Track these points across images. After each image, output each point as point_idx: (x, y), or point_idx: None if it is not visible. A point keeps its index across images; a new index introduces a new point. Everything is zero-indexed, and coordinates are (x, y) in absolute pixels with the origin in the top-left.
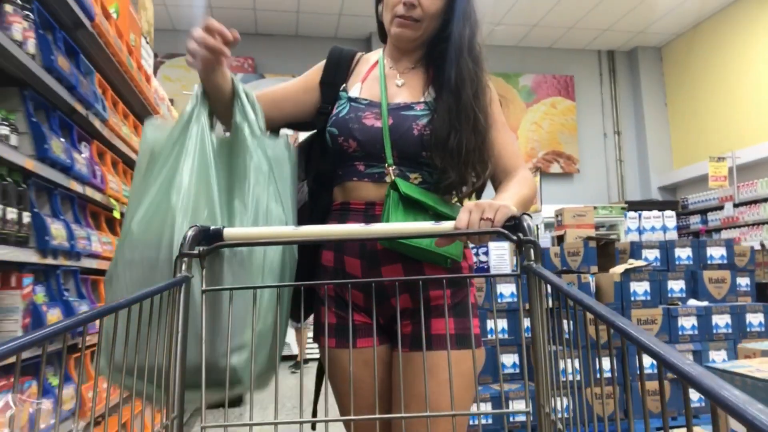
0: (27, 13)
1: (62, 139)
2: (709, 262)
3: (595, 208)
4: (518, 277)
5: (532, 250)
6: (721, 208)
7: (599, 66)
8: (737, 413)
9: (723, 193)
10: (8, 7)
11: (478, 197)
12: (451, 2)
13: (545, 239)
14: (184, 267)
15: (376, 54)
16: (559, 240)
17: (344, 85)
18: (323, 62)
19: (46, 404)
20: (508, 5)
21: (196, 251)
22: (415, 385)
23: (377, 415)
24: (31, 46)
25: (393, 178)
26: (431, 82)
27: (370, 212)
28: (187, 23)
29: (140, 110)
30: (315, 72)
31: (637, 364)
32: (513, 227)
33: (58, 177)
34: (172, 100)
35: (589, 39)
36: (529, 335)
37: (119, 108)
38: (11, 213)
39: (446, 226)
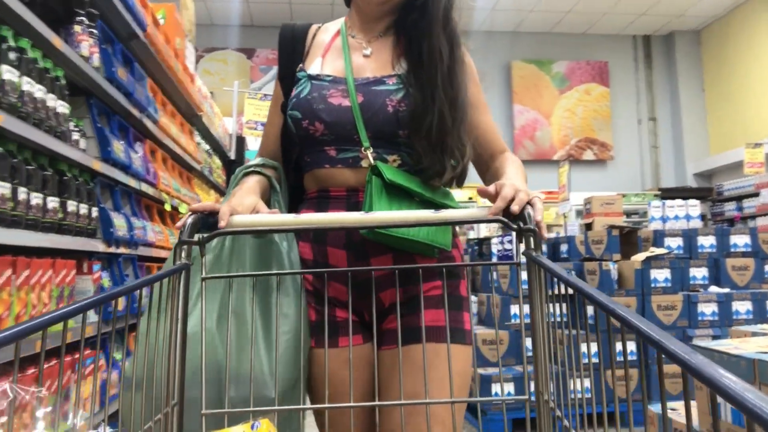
0: (92, 30)
1: (121, 141)
2: (732, 249)
3: (624, 195)
4: (518, 265)
5: (532, 239)
6: (757, 194)
7: (634, 51)
8: (736, 401)
9: (759, 180)
10: (77, 28)
11: (460, 185)
12: None
13: (573, 227)
14: (183, 254)
15: (337, 23)
16: (588, 228)
17: (301, 65)
18: (278, 57)
19: (45, 393)
20: None
21: (195, 239)
22: (406, 384)
23: (377, 402)
24: (96, 59)
25: (372, 162)
26: (402, 52)
27: (353, 199)
28: (225, 18)
29: (186, 109)
30: (277, 78)
31: (637, 350)
32: (514, 215)
33: (119, 175)
34: (212, 94)
35: (625, 24)
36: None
37: (168, 109)
38: (83, 208)
39: (447, 214)
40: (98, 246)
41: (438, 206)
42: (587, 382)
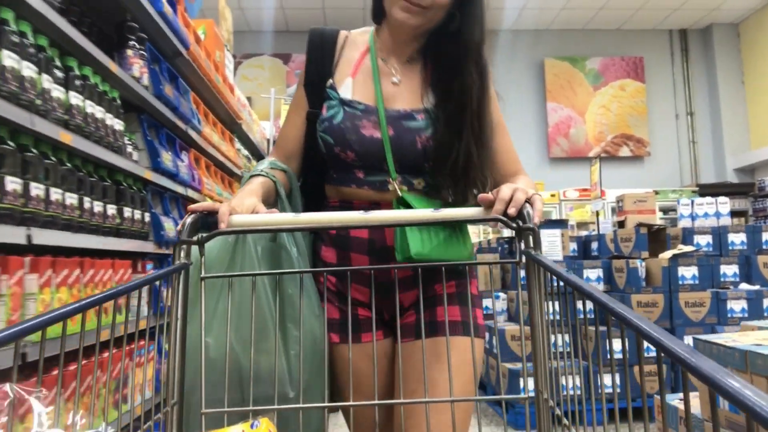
0: (142, 52)
1: (169, 152)
2: (764, 246)
3: (657, 192)
4: (517, 264)
5: (531, 238)
6: None
7: (671, 46)
8: (736, 399)
9: None
10: (129, 52)
11: None
12: None
13: (607, 224)
14: (183, 254)
15: (365, 35)
16: (621, 225)
17: (331, 80)
18: (304, 62)
19: (46, 393)
20: None
21: (195, 238)
22: (421, 371)
23: (376, 401)
24: (145, 79)
25: (400, 193)
26: (431, 83)
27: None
28: (261, 24)
29: (226, 117)
30: (300, 81)
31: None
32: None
33: (167, 183)
34: (249, 99)
35: (660, 18)
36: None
37: (210, 118)
38: (137, 214)
39: (446, 213)
40: (150, 247)
41: (458, 230)
42: (577, 380)
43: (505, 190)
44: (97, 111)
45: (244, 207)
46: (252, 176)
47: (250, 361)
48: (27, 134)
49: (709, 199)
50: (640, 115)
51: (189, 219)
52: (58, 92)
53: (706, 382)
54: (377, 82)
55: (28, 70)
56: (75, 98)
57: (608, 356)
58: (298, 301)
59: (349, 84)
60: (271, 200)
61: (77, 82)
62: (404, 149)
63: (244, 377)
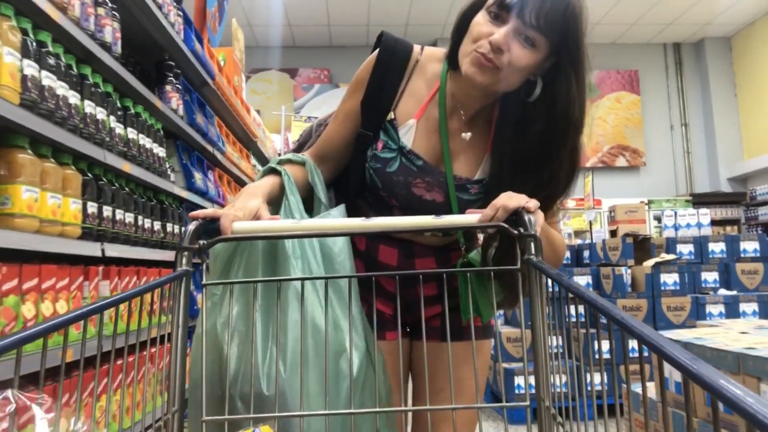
0: (177, 86)
1: (199, 172)
2: (742, 255)
3: (650, 202)
4: (518, 271)
5: (532, 244)
6: None
7: (665, 59)
8: (737, 406)
9: None
10: (168, 87)
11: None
12: (546, 67)
13: (600, 233)
14: (184, 261)
15: (437, 65)
16: (613, 234)
17: (393, 114)
18: (367, 73)
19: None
20: None
21: (197, 245)
22: (447, 372)
23: (377, 409)
24: (181, 109)
25: (466, 257)
26: (491, 148)
27: (405, 248)
28: (269, 40)
29: (243, 136)
30: (357, 89)
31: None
32: (515, 222)
33: (199, 200)
34: (258, 111)
35: (654, 33)
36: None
37: (230, 139)
38: (176, 228)
39: (447, 220)
40: None
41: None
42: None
43: (499, 199)
44: (146, 142)
45: (247, 211)
46: (265, 173)
47: (251, 367)
48: (99, 166)
49: (691, 210)
50: (635, 127)
51: (191, 226)
52: (119, 129)
53: (708, 390)
54: (445, 143)
55: (101, 114)
56: (131, 133)
57: (603, 356)
58: (304, 304)
59: (411, 127)
60: (280, 195)
61: (132, 119)
62: None
63: (227, 382)
